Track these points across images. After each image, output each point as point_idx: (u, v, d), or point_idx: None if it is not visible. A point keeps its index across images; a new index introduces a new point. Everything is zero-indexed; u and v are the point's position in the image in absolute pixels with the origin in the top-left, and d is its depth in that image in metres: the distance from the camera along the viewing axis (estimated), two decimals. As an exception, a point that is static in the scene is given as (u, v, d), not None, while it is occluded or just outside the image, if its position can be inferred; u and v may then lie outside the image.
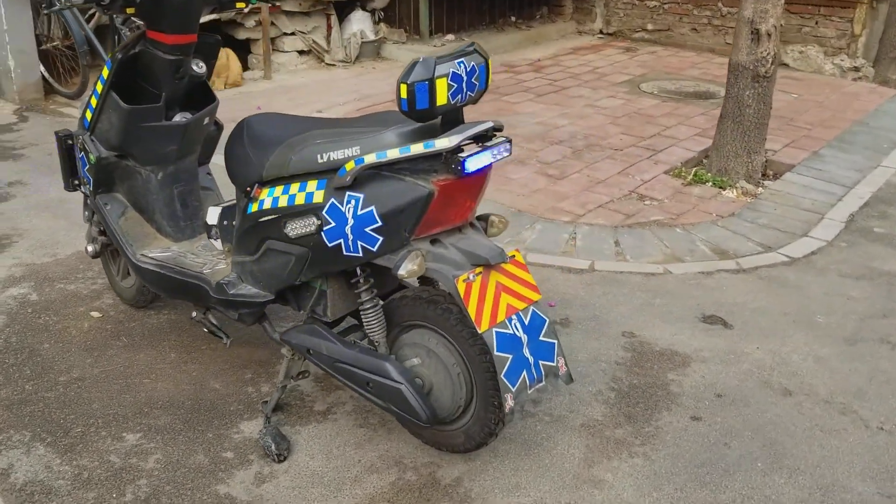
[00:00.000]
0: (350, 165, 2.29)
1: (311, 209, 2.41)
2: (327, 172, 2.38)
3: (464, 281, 2.28)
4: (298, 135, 2.47)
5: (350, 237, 2.34)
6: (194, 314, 2.99)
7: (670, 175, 5.10)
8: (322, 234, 2.40)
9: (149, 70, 2.91)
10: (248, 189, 2.56)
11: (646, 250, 4.15)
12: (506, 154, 2.32)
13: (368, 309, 2.48)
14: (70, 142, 3.08)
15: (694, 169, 5.20)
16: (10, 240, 4.07)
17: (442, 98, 2.18)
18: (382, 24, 7.97)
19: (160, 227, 3.10)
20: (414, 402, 2.35)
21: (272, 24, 7.07)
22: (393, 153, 2.24)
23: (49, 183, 4.69)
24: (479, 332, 2.27)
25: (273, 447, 2.62)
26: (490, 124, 2.27)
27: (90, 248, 3.31)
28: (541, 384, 2.40)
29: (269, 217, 2.52)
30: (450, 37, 8.31)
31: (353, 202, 2.32)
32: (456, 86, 2.21)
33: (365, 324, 2.49)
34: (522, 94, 6.78)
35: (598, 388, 3.04)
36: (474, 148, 2.25)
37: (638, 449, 2.72)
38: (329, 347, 2.50)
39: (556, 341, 2.44)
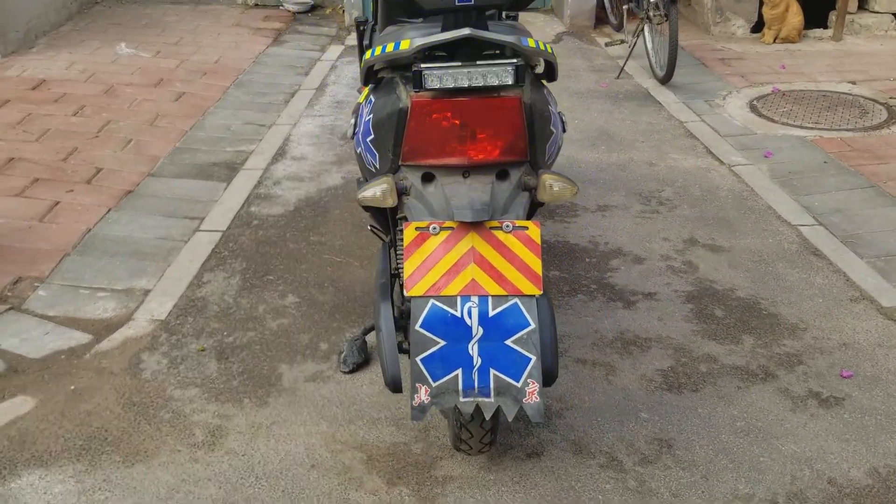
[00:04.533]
0: (361, 62, 1.97)
1: (357, 108, 2.15)
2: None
3: (417, 229, 1.76)
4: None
5: (362, 146, 2.02)
6: None
7: None
8: (355, 137, 2.11)
9: None
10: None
11: None
12: (508, 81, 1.73)
13: (400, 240, 2.09)
14: (363, 28, 3.20)
15: None
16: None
17: None
18: None
19: None
20: (384, 358, 1.93)
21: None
22: (377, 51, 1.85)
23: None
24: (406, 293, 1.74)
25: (343, 355, 2.48)
26: (464, 32, 1.68)
27: None
28: (487, 401, 1.71)
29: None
30: None
31: (368, 107, 1.99)
32: None
33: (396, 256, 2.11)
34: None
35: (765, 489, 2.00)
36: (452, 61, 1.72)
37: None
38: (377, 271, 2.21)
39: (532, 357, 1.70)
